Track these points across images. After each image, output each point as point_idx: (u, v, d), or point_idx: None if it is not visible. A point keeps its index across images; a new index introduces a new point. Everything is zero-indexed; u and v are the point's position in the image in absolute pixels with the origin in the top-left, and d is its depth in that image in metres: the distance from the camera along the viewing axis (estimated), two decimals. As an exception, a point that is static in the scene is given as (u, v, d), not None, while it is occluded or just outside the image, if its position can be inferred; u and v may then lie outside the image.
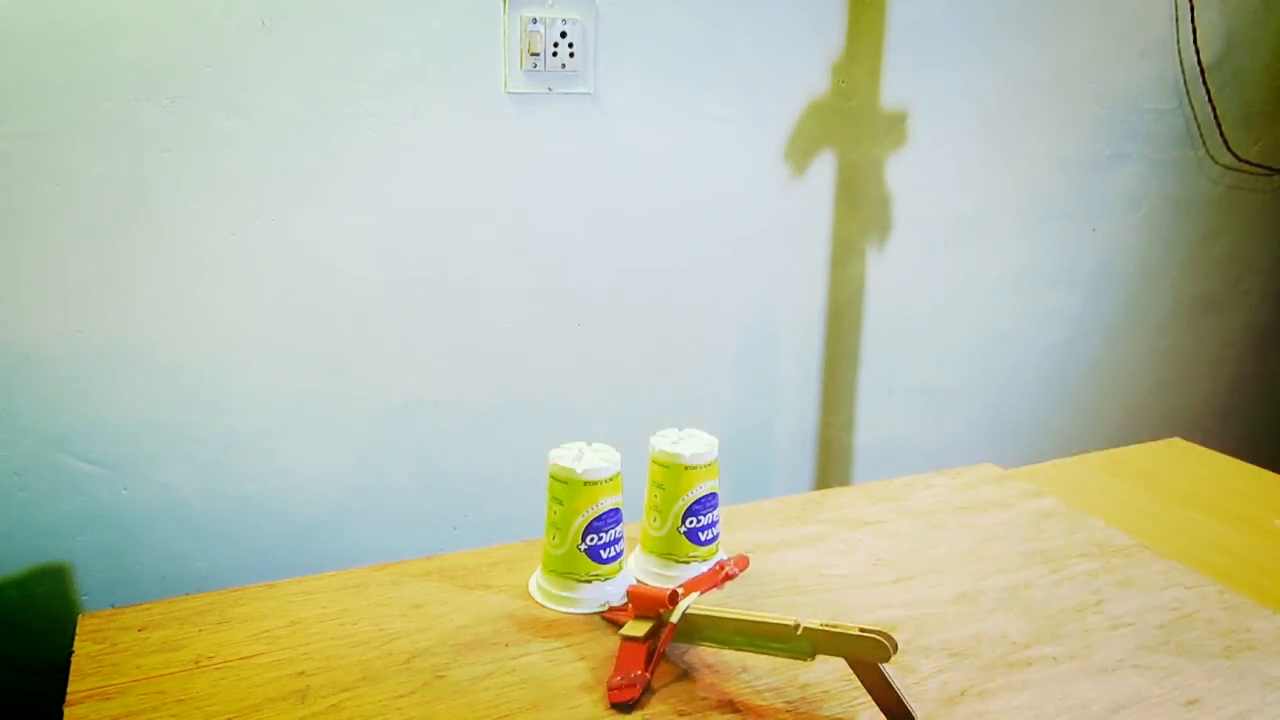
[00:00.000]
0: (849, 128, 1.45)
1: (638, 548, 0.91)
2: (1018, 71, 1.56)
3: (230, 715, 0.69)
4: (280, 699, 0.70)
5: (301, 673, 0.73)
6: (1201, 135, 1.77)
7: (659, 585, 0.85)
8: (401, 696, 0.71)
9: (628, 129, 1.30)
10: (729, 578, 0.86)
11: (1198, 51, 1.70)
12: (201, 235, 1.11)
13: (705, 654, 0.77)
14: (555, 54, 1.21)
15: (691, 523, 0.87)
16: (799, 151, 1.42)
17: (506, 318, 1.30)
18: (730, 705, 0.71)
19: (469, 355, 1.29)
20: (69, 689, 0.71)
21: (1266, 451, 2.08)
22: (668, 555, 0.88)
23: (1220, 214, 1.85)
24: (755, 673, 0.75)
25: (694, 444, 0.87)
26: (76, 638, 0.77)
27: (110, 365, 1.11)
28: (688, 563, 0.88)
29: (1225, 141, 1.79)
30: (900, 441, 1.67)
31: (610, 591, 0.84)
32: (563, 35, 1.21)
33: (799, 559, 0.93)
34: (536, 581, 0.86)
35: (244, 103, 1.09)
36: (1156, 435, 1.80)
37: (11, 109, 1.00)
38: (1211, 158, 1.80)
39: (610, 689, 0.72)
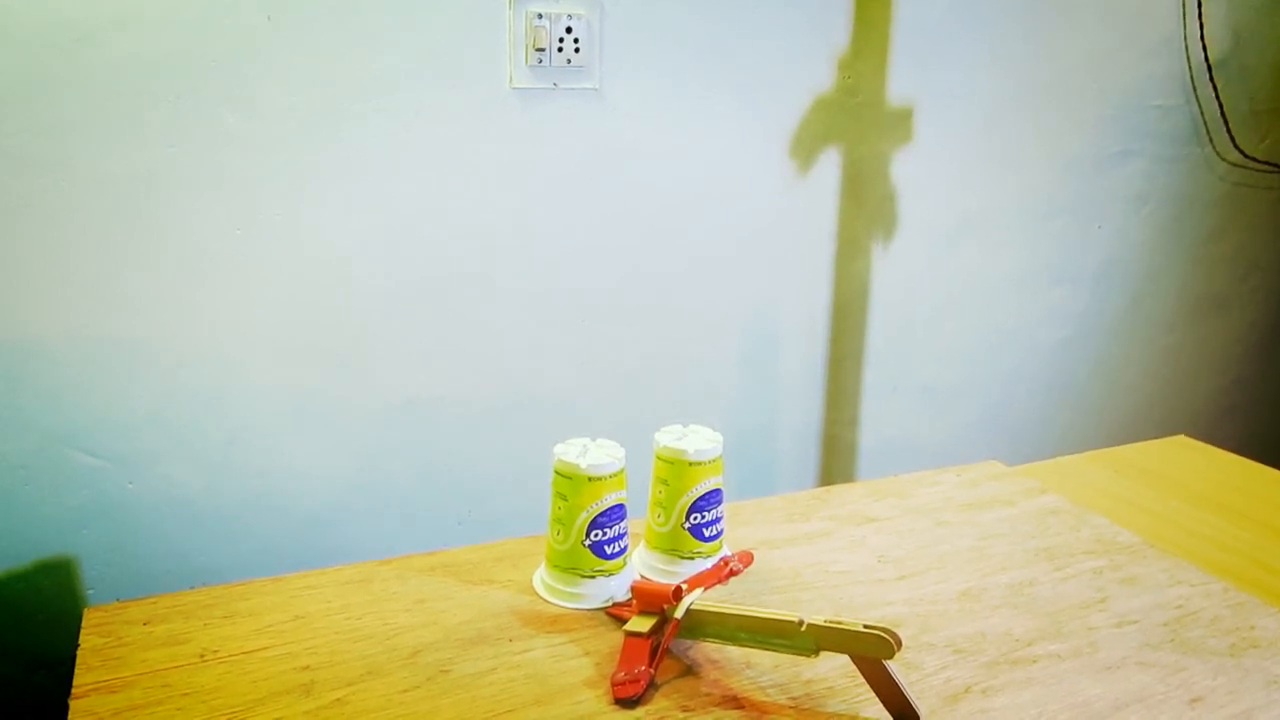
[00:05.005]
0: (854, 124, 1.45)
1: (642, 543, 0.91)
2: (1023, 68, 1.55)
3: (235, 709, 0.69)
4: (285, 693, 0.71)
5: (306, 667, 0.74)
6: (1208, 132, 1.76)
7: (663, 581, 0.85)
8: (405, 691, 0.71)
9: (633, 125, 1.30)
10: (733, 574, 0.86)
11: (1204, 47, 1.69)
12: (206, 231, 1.11)
13: (709, 650, 0.77)
14: (560, 49, 1.21)
15: (696, 519, 0.87)
16: (804, 148, 1.42)
17: (510, 314, 1.30)
18: (734, 701, 0.71)
19: (473, 352, 1.29)
20: (74, 682, 0.71)
21: (1272, 449, 2.08)
22: (672, 551, 0.88)
23: (1226, 211, 1.84)
24: (759, 669, 0.75)
25: (698, 440, 0.87)
26: (82, 631, 0.77)
27: (114, 361, 1.11)
28: (692, 559, 0.88)
29: (1232, 138, 1.78)
30: (904, 439, 1.67)
31: (614, 587, 0.84)
32: (568, 31, 1.21)
33: (803, 555, 0.93)
34: (540, 577, 0.86)
35: (249, 99, 1.09)
36: (1161, 433, 1.79)
37: (16, 105, 1.00)
38: (1218, 155, 1.79)
39: (614, 684, 0.72)
